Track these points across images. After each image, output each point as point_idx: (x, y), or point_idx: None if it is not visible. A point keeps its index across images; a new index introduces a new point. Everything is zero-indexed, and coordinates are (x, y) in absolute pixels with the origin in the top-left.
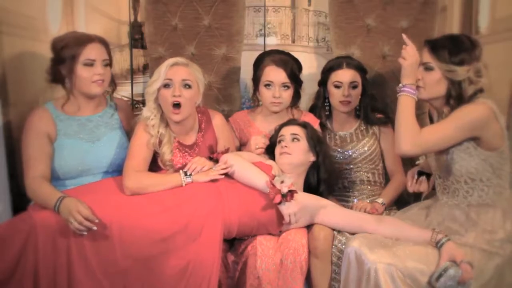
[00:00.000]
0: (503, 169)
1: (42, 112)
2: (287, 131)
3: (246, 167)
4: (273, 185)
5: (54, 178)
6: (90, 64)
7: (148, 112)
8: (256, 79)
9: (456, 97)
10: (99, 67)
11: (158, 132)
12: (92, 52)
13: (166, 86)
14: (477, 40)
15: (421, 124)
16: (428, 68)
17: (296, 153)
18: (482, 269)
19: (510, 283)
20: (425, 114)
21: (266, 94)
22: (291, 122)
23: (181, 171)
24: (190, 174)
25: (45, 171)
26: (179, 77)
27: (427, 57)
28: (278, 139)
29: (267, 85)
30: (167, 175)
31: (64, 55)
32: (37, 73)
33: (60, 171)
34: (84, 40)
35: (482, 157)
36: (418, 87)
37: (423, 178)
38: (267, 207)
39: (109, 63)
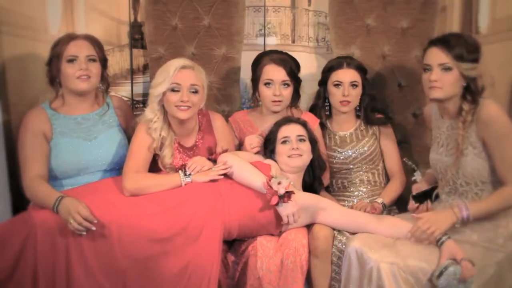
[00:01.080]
0: None
1: (38, 112)
2: (292, 133)
3: (244, 168)
4: (270, 186)
5: (52, 178)
6: (72, 60)
7: (151, 114)
8: (255, 79)
9: (474, 93)
10: (82, 63)
11: (160, 135)
12: (74, 48)
13: (173, 90)
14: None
15: (422, 124)
16: (447, 69)
17: (306, 154)
18: (484, 266)
19: (511, 281)
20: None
21: (266, 93)
22: (289, 120)
23: (180, 171)
24: (190, 174)
25: (42, 171)
26: (187, 82)
27: (443, 58)
28: (282, 140)
29: (267, 84)
30: (166, 176)
31: (52, 55)
32: (37, 73)
33: (57, 171)
34: (68, 38)
35: None
36: (433, 87)
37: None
38: (266, 208)
39: (96, 60)
